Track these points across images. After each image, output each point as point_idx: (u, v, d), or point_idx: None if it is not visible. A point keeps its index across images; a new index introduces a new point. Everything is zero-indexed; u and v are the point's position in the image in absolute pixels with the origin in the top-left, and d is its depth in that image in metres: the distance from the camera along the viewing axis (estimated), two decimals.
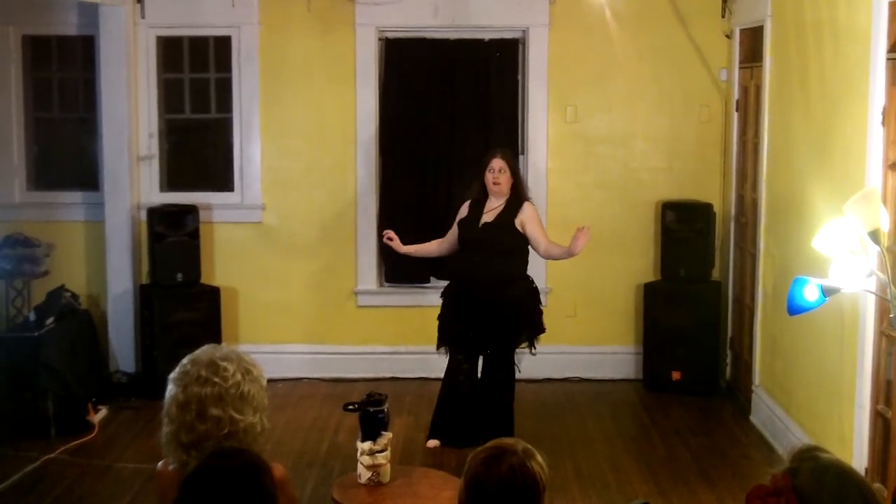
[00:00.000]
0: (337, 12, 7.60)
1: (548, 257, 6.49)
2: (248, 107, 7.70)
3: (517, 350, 6.32)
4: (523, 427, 6.34)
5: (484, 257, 6.17)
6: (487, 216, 6.23)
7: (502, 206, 6.24)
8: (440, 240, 6.49)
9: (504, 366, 6.27)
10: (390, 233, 6.44)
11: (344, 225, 7.78)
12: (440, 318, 6.35)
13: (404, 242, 6.45)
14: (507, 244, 6.20)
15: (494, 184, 6.21)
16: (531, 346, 6.33)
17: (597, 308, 7.83)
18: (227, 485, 2.49)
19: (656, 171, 7.74)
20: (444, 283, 6.53)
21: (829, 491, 2.26)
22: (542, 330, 6.33)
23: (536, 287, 6.38)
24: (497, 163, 6.22)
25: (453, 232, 6.40)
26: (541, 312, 6.35)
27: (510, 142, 7.61)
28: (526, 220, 6.22)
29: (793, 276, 4.03)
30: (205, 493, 2.48)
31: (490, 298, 6.14)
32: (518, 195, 6.27)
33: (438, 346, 6.38)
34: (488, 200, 6.27)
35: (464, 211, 6.36)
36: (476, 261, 6.19)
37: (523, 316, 6.24)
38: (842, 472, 2.31)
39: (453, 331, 6.26)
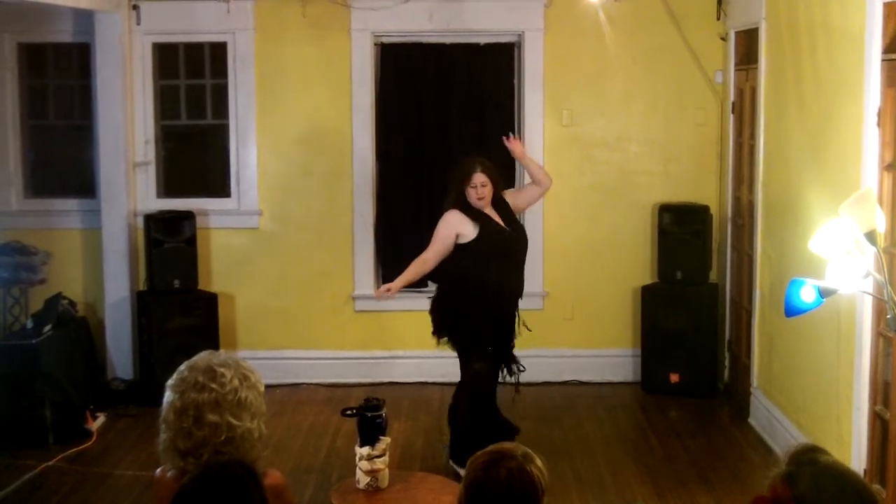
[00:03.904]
0: (332, 18, 7.60)
1: (546, 183, 6.19)
2: (244, 113, 7.70)
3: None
4: (522, 431, 6.33)
5: (512, 265, 5.99)
6: (499, 221, 5.97)
7: (494, 212, 5.98)
8: (429, 257, 5.98)
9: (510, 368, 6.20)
10: (384, 289, 6.14)
11: (341, 230, 7.78)
12: (474, 332, 5.93)
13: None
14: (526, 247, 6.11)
15: (479, 199, 5.89)
16: None
17: (594, 311, 7.83)
18: (217, 499, 2.50)
19: (652, 174, 7.75)
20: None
21: (829, 497, 2.25)
22: None
23: None
24: (479, 177, 5.89)
25: (446, 245, 5.95)
26: None
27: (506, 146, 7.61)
28: (513, 200, 6.07)
29: (790, 278, 4.03)
30: None
31: (515, 306, 6.05)
32: (498, 196, 6.01)
33: (479, 358, 5.96)
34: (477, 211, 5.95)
35: (463, 222, 5.92)
36: (514, 272, 5.99)
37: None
38: (840, 477, 2.30)
39: (488, 342, 5.97)
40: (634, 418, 7.17)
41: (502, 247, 5.94)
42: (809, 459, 2.34)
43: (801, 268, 5.33)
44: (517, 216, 6.14)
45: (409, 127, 7.78)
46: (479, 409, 5.98)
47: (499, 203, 6.03)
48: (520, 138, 7.68)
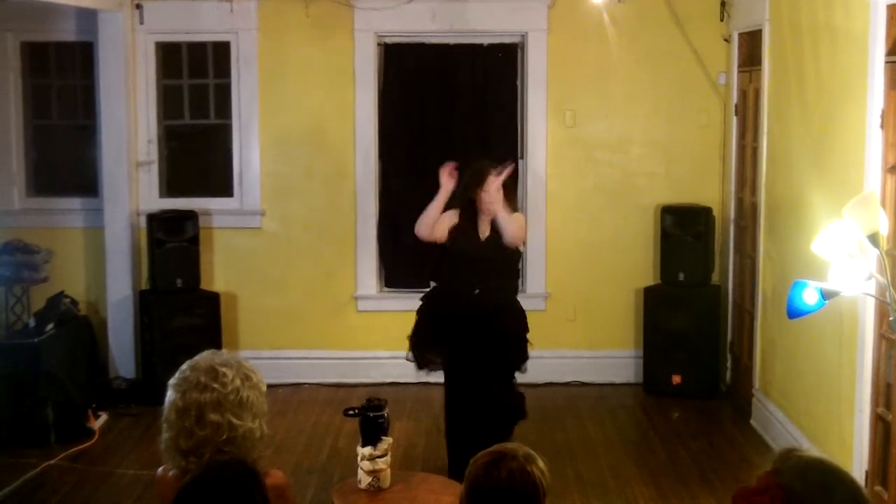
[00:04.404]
0: (335, 18, 7.60)
1: (518, 237, 5.86)
2: (247, 112, 7.70)
3: None
4: (524, 432, 6.33)
5: (482, 277, 5.75)
6: (483, 230, 5.79)
7: (487, 220, 5.79)
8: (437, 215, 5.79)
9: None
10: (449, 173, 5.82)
11: (343, 230, 7.78)
12: (451, 343, 5.79)
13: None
14: (508, 257, 5.86)
15: (490, 204, 5.70)
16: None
17: (597, 312, 7.83)
18: (217, 499, 2.51)
19: (655, 176, 7.74)
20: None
21: (814, 484, 2.31)
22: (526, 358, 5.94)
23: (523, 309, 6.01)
24: (494, 182, 5.68)
25: (442, 221, 5.78)
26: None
27: (509, 147, 7.62)
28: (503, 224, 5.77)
29: (792, 280, 4.03)
30: None
31: (485, 320, 5.73)
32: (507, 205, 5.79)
33: (452, 374, 5.84)
34: (479, 217, 5.78)
35: (453, 223, 5.80)
36: (478, 278, 5.76)
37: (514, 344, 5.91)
38: (824, 467, 2.37)
39: (464, 355, 5.79)
40: (636, 419, 7.17)
41: (467, 255, 5.75)
42: (793, 455, 2.40)
43: (803, 270, 5.33)
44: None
45: (411, 127, 7.78)
46: (459, 426, 5.79)
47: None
48: (523, 139, 7.71)
